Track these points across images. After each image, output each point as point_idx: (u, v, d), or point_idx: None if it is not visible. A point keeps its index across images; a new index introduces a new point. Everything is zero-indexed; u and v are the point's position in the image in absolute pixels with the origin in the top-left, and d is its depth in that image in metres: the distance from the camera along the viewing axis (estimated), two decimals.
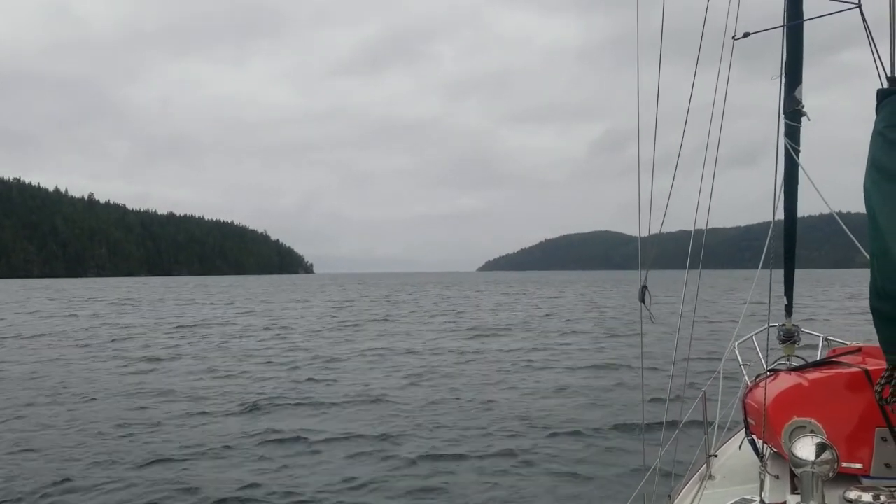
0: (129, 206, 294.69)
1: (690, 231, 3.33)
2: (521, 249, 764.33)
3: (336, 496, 7.02)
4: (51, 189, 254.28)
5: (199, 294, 71.92)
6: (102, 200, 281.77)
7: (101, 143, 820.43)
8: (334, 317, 34.63)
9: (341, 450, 8.76)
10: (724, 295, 48.62)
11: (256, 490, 7.13)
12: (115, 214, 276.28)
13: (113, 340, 22.95)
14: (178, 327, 28.52)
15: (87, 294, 71.69)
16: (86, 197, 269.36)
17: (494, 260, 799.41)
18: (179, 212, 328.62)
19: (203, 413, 11.07)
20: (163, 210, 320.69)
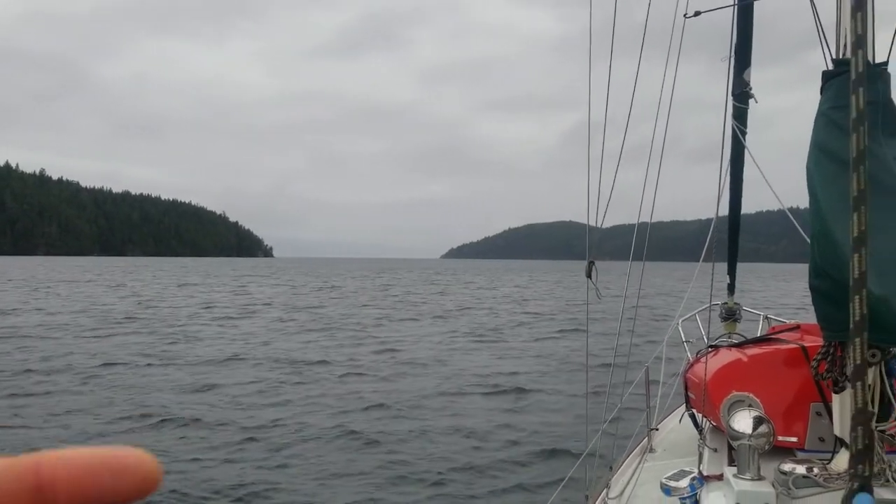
0: (96, 185, 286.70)
1: (647, 223, 3.35)
2: (485, 238, 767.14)
3: None
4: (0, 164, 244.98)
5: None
6: (66, 178, 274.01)
7: (73, 120, 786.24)
8: None
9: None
10: (676, 284, 49.57)
11: None
12: (68, 191, 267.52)
13: None
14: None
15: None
16: (37, 173, 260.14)
17: (458, 248, 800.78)
18: (149, 192, 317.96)
19: None
20: (127, 189, 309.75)
